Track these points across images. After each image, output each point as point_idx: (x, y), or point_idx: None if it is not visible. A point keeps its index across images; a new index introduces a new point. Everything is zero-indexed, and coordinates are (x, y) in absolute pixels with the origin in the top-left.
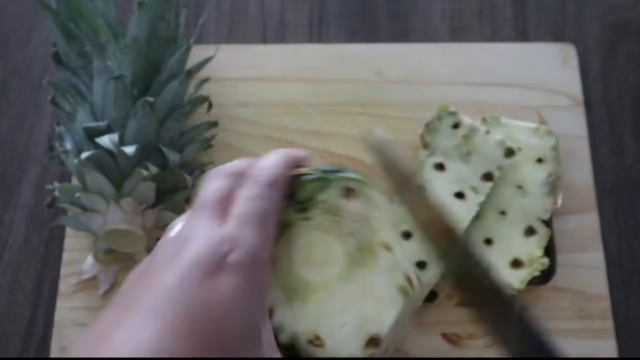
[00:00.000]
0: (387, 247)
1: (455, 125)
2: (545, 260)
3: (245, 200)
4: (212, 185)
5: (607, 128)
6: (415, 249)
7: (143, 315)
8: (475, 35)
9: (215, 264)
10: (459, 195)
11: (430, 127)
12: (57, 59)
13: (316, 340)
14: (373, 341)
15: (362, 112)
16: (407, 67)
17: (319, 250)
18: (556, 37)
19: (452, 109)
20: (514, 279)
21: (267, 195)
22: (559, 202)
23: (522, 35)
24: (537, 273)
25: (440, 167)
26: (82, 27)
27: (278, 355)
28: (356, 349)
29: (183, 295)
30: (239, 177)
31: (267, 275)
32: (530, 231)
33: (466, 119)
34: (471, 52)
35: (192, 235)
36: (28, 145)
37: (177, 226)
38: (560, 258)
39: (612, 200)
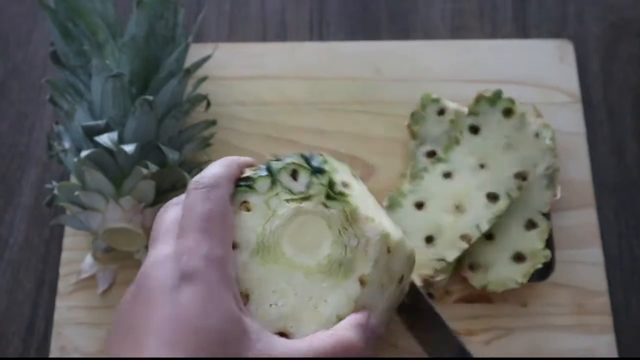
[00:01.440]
0: (363, 282)
1: (441, 112)
2: (548, 253)
3: (187, 209)
4: (162, 216)
5: (607, 128)
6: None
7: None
8: (476, 35)
9: (177, 280)
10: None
11: (415, 117)
12: (55, 58)
13: (243, 298)
14: (282, 335)
15: (361, 110)
16: (406, 64)
17: (312, 236)
18: (557, 37)
19: (434, 95)
20: (517, 273)
21: (207, 197)
22: (558, 194)
23: (523, 35)
24: (539, 266)
25: (432, 154)
26: (80, 26)
27: (268, 334)
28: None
29: (154, 322)
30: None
31: (230, 268)
32: (531, 224)
33: (451, 104)
34: (469, 49)
35: (149, 265)
36: (28, 145)
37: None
38: (559, 254)
39: (612, 199)
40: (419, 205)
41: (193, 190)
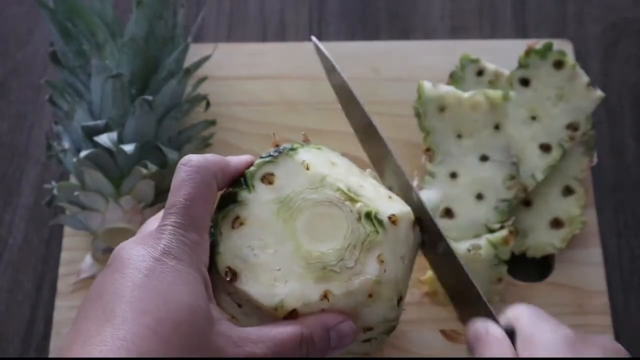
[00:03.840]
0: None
1: (480, 73)
2: (585, 219)
3: (174, 187)
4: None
5: (607, 128)
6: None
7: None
8: (475, 35)
9: (155, 257)
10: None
11: (455, 77)
12: (55, 58)
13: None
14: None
15: None
16: (404, 64)
17: (327, 229)
18: (556, 37)
19: (474, 56)
20: (555, 239)
21: (193, 177)
22: (595, 160)
23: (522, 35)
24: (577, 231)
25: None
26: (79, 27)
27: (226, 321)
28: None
29: (126, 290)
30: None
31: (204, 253)
32: (568, 191)
33: (490, 65)
34: (468, 50)
35: (128, 241)
36: (28, 145)
37: None
38: (559, 254)
39: (612, 200)
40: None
41: (182, 166)
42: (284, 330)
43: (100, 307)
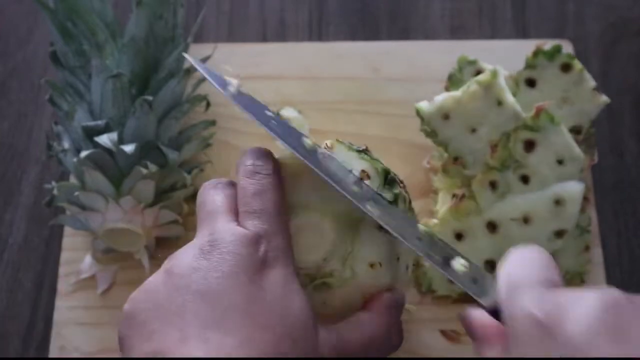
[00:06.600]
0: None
1: (478, 74)
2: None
3: (255, 196)
4: (208, 197)
5: (607, 128)
6: None
7: (211, 328)
8: (475, 35)
9: (259, 263)
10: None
11: (453, 80)
12: (55, 58)
13: None
14: None
15: (359, 110)
16: (404, 64)
17: (311, 239)
18: (556, 36)
19: (471, 57)
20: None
21: (272, 185)
22: (595, 159)
23: (523, 35)
24: None
25: None
26: (79, 27)
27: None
28: None
29: (241, 301)
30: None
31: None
32: None
33: (488, 66)
34: (468, 50)
35: (220, 239)
36: (28, 145)
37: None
38: None
39: (612, 200)
40: None
41: (257, 173)
42: (370, 320)
43: (209, 309)
